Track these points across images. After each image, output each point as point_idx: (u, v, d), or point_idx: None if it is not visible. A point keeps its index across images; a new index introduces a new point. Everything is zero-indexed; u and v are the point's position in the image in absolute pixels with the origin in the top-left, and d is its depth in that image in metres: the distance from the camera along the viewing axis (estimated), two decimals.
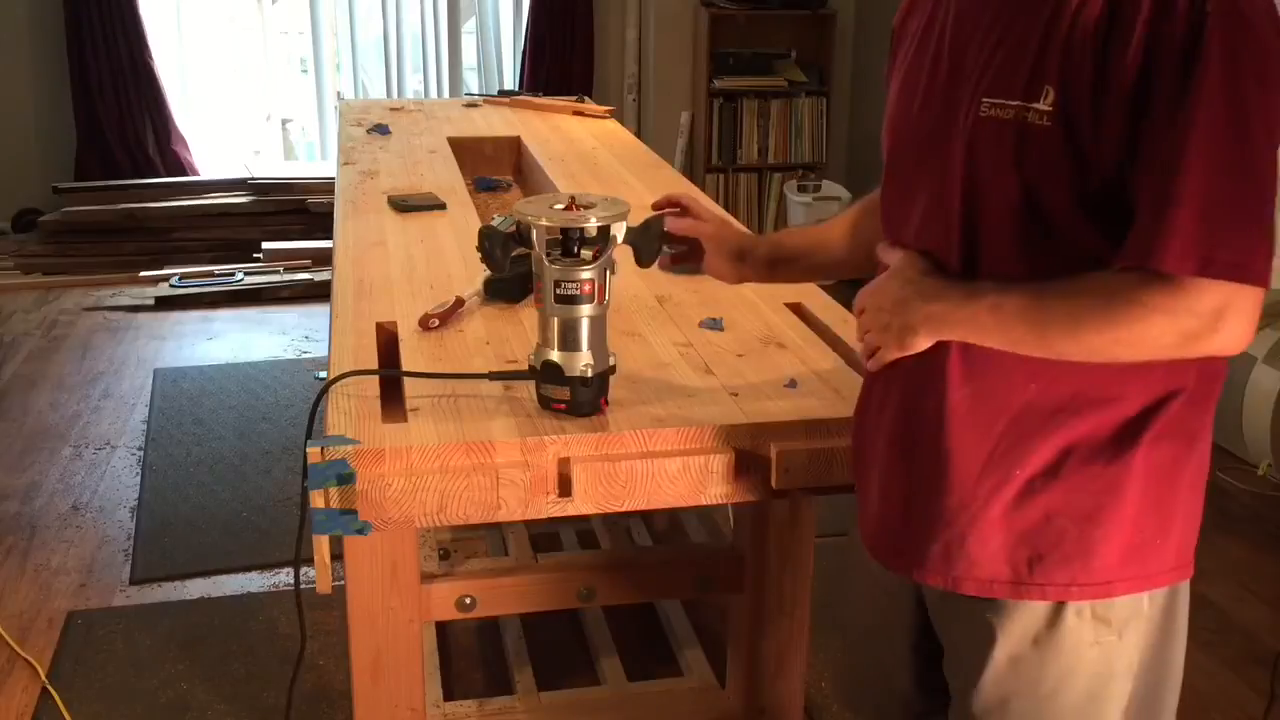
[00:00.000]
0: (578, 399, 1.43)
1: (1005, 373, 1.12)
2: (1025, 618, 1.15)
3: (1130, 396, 1.10)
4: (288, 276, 4.94)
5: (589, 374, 1.43)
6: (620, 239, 1.45)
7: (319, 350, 4.27)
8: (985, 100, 1.08)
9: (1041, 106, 1.04)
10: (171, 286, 4.84)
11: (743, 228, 1.64)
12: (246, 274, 4.95)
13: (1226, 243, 0.98)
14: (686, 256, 1.57)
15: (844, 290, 1.63)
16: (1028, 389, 1.11)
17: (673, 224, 1.54)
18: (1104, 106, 1.01)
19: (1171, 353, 1.03)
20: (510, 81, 5.86)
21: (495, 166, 3.23)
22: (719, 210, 1.86)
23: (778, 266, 1.55)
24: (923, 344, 1.14)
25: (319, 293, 4.74)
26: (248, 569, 2.85)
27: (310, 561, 1.38)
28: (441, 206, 2.45)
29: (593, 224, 1.41)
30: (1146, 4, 0.99)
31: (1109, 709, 1.17)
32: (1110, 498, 1.11)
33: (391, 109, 3.75)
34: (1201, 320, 0.99)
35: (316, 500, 1.33)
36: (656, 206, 1.59)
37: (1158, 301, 1.00)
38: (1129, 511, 1.11)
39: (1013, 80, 1.07)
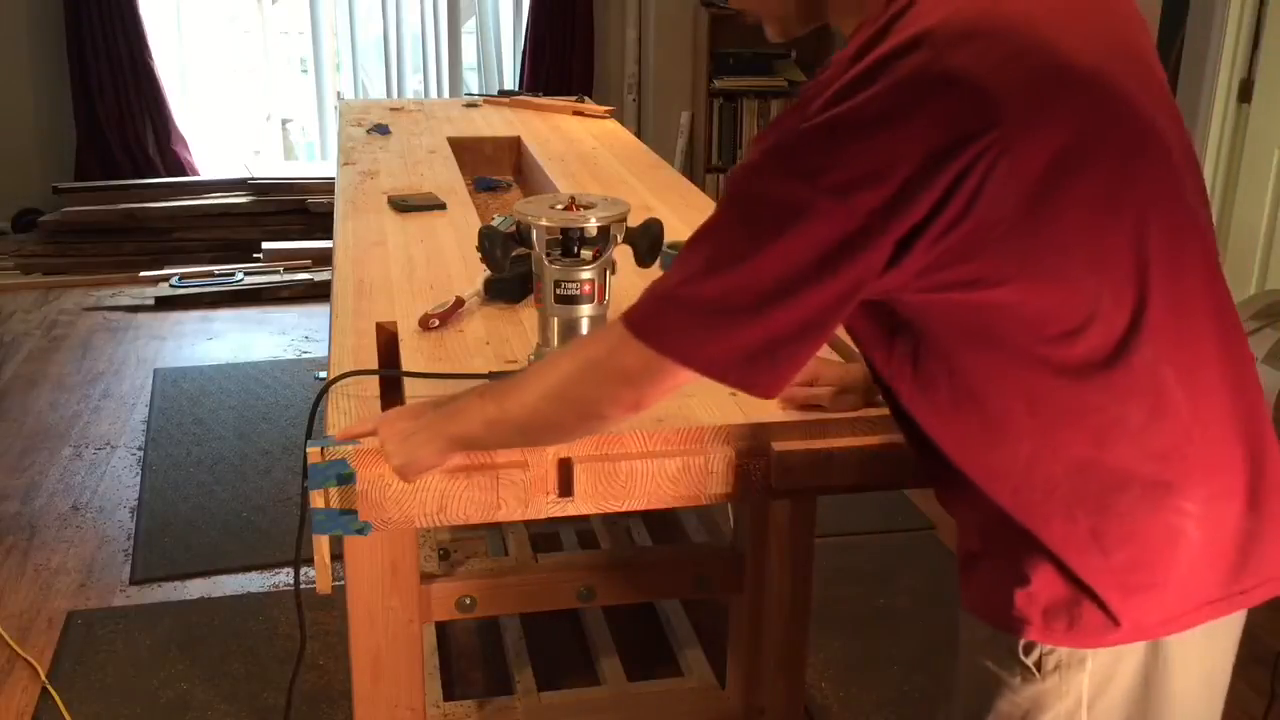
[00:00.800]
0: None
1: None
2: (974, 631, 1.14)
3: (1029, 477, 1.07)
4: (288, 276, 4.94)
5: None
6: (620, 239, 1.45)
7: (319, 350, 4.27)
8: None
9: None
10: (171, 286, 4.84)
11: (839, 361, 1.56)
12: (246, 274, 4.95)
13: (670, 315, 1.04)
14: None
15: None
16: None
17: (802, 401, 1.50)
18: None
19: (596, 397, 1.12)
20: (510, 81, 5.86)
21: (495, 166, 3.23)
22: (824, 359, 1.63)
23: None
24: (428, 459, 1.28)
25: (319, 293, 4.74)
26: (248, 569, 2.85)
27: (310, 561, 1.38)
28: (441, 206, 2.45)
29: (593, 224, 1.41)
30: None
31: None
32: (1028, 559, 1.08)
33: (391, 109, 3.75)
34: (621, 373, 1.09)
35: (316, 500, 1.33)
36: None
37: (591, 346, 1.12)
38: (1047, 572, 1.07)
39: None
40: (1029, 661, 1.08)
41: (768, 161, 0.99)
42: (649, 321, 1.06)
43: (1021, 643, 1.08)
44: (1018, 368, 1.02)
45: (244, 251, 5.16)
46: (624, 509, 1.40)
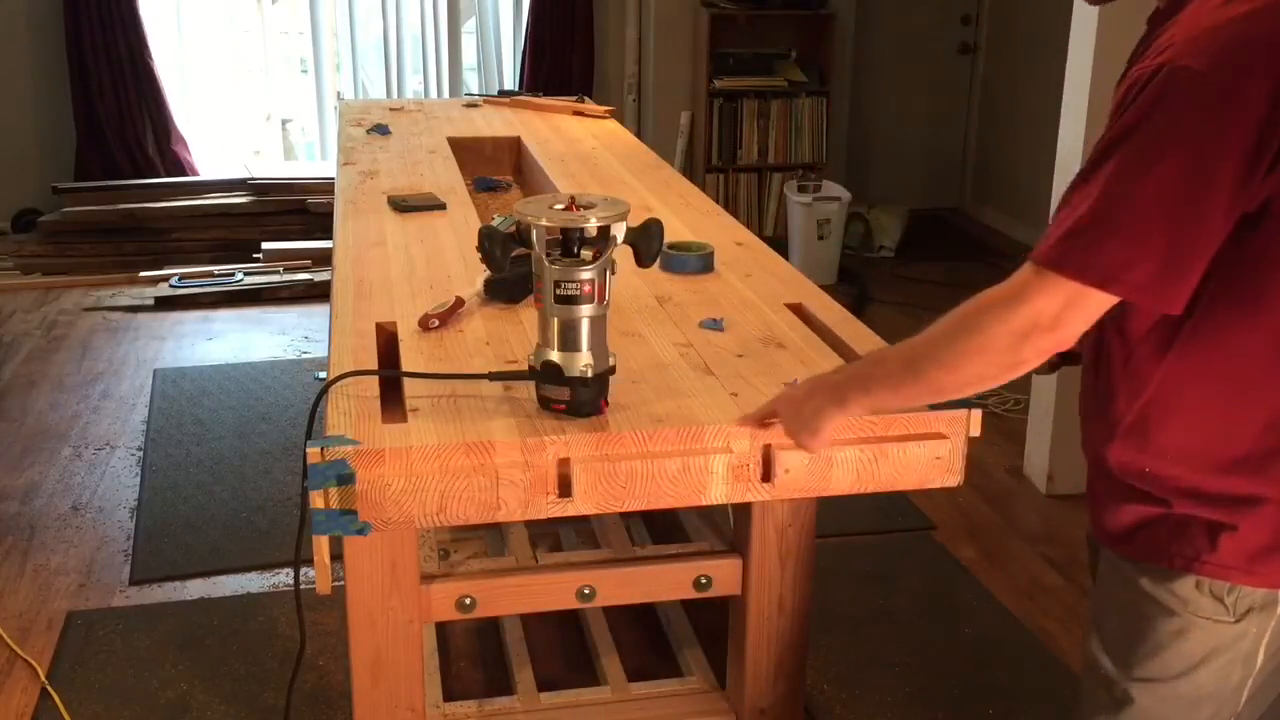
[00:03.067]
0: (578, 399, 1.43)
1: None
2: (1146, 574, 1.21)
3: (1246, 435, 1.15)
4: (288, 276, 4.94)
5: (589, 374, 1.43)
6: (620, 239, 1.45)
7: (319, 350, 4.27)
8: None
9: None
10: (171, 286, 4.84)
11: None
12: (246, 274, 4.95)
13: (1085, 245, 1.08)
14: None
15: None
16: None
17: None
18: None
19: (1018, 343, 1.13)
20: (510, 81, 5.86)
21: (495, 166, 3.23)
22: None
23: None
24: (829, 420, 1.31)
25: (319, 293, 4.74)
26: (247, 569, 2.85)
27: (310, 562, 1.38)
28: (441, 206, 2.45)
29: (593, 224, 1.41)
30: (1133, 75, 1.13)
31: (1206, 681, 1.20)
32: (1243, 508, 1.16)
33: (391, 109, 3.75)
34: (1039, 316, 1.11)
35: (316, 500, 1.33)
36: None
37: (1004, 294, 1.13)
38: (1263, 520, 1.15)
39: None
40: (1227, 602, 1.17)
41: (1164, 89, 1.05)
42: (1068, 255, 1.09)
43: (1226, 586, 1.16)
44: None
45: (244, 251, 5.16)
46: (624, 509, 1.41)
